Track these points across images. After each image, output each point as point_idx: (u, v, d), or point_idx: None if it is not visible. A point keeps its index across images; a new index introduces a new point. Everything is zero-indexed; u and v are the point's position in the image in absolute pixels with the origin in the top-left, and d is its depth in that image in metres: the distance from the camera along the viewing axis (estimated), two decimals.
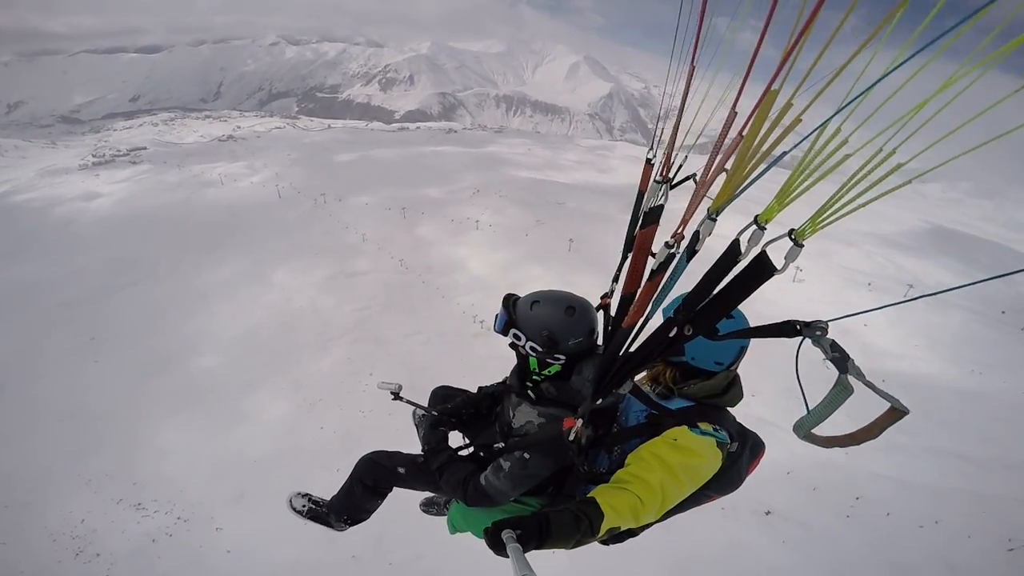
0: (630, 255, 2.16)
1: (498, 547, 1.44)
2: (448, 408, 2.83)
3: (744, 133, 1.14)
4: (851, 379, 1.29)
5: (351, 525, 2.98)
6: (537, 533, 1.49)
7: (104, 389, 11.67)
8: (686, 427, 1.90)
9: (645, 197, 1.90)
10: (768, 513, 7.26)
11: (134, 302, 14.63)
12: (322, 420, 9.31)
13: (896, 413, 1.30)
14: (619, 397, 2.30)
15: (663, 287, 1.46)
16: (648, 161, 2.15)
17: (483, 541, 1.50)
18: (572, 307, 2.16)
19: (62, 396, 11.59)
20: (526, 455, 2.17)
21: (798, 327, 1.30)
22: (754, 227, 1.15)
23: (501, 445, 2.38)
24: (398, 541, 6.32)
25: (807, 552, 6.57)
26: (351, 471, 2.88)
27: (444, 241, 19.09)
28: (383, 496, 2.89)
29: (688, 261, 1.40)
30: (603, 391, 1.80)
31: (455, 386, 3.11)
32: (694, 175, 1.62)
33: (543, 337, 2.15)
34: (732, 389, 2.08)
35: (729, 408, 2.09)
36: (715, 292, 1.31)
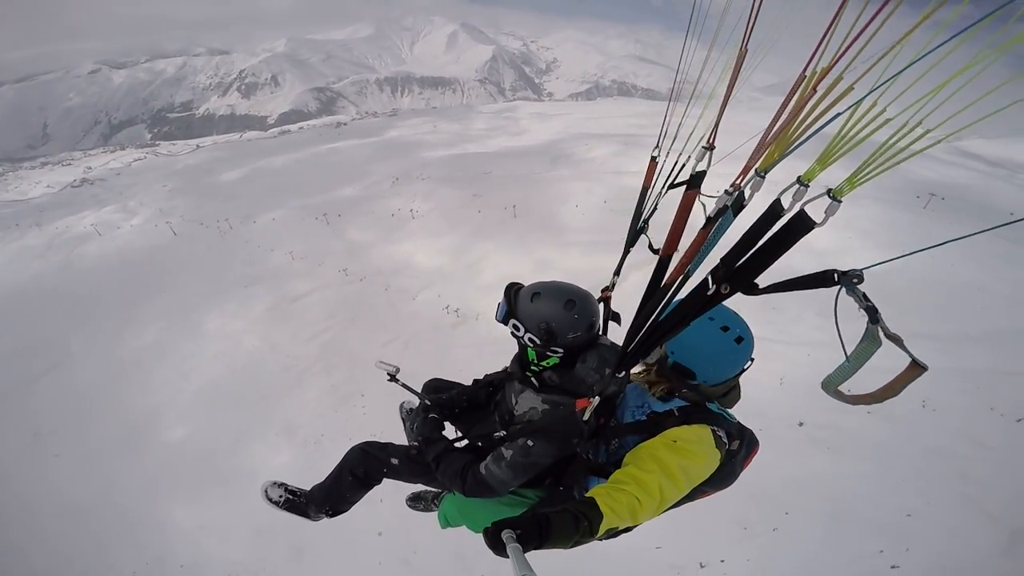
0: (631, 249, 2.57)
1: (498, 547, 1.48)
2: (442, 399, 2.90)
3: (814, 87, 1.28)
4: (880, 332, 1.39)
5: (331, 516, 3.04)
6: (537, 533, 1.54)
7: (82, 481, 10.24)
8: (705, 424, 2.06)
9: (687, 166, 2.03)
10: (801, 424, 7.75)
11: (60, 387, 12.77)
12: (335, 455, 8.73)
13: (917, 369, 1.41)
14: (621, 386, 2.39)
15: (708, 242, 1.56)
16: (653, 159, 2.39)
17: (480, 537, 1.56)
18: (572, 301, 2.25)
19: (44, 495, 10.07)
20: (529, 442, 2.22)
21: (836, 277, 1.37)
22: (797, 186, 1.28)
23: (502, 434, 2.41)
24: (480, 553, 6.13)
25: (853, 452, 7.09)
26: (340, 461, 2.94)
27: (382, 240, 18.25)
28: (369, 488, 2.96)
29: (735, 216, 1.53)
30: (632, 359, 1.80)
31: (447, 379, 3.17)
32: (704, 172, 1.91)
33: (541, 330, 2.24)
34: (731, 392, 2.24)
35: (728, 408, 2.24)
36: (754, 249, 1.38)
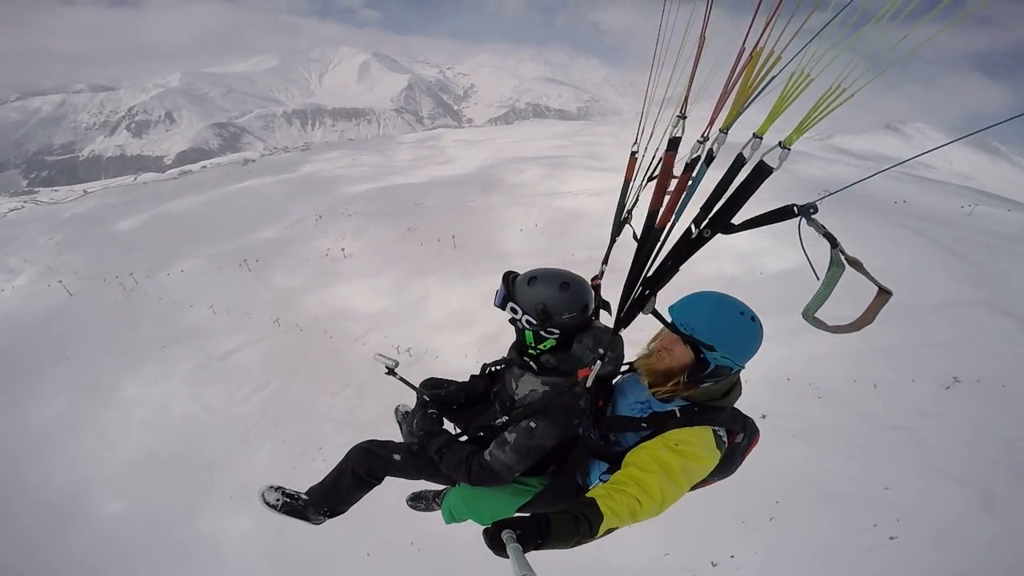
0: (621, 238, 2.72)
1: (498, 547, 1.52)
2: (440, 395, 3.04)
3: (752, 53, 1.66)
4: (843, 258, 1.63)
5: (329, 517, 3.12)
6: (537, 533, 1.58)
7: (17, 566, 8.67)
8: (707, 426, 2.12)
9: (665, 132, 2.28)
10: (764, 416, 8.24)
11: None
12: None
13: (884, 295, 1.64)
14: (616, 366, 2.50)
15: (687, 192, 1.90)
16: (633, 154, 2.63)
17: (483, 536, 1.59)
18: (567, 283, 2.42)
19: None
20: (532, 423, 2.34)
21: (796, 209, 1.61)
22: (754, 139, 1.61)
23: (504, 419, 2.52)
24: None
25: (817, 436, 7.60)
26: (341, 460, 3.01)
27: (314, 284, 17.49)
28: (370, 488, 3.04)
29: (707, 166, 1.87)
30: (630, 315, 2.07)
31: (443, 377, 3.32)
32: (679, 137, 2.15)
33: (538, 311, 2.41)
34: (733, 391, 2.27)
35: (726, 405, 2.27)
36: (726, 196, 1.72)
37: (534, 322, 2.46)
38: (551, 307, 2.40)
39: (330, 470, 3.07)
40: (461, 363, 11.43)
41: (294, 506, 3.11)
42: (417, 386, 3.19)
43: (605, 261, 2.85)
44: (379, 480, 3.02)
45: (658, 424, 2.16)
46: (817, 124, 1.49)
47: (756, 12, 1.61)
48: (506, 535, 1.53)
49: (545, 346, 2.53)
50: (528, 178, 27.24)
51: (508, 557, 1.48)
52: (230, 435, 10.21)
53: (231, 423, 10.57)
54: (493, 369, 3.01)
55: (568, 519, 1.67)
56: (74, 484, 9.72)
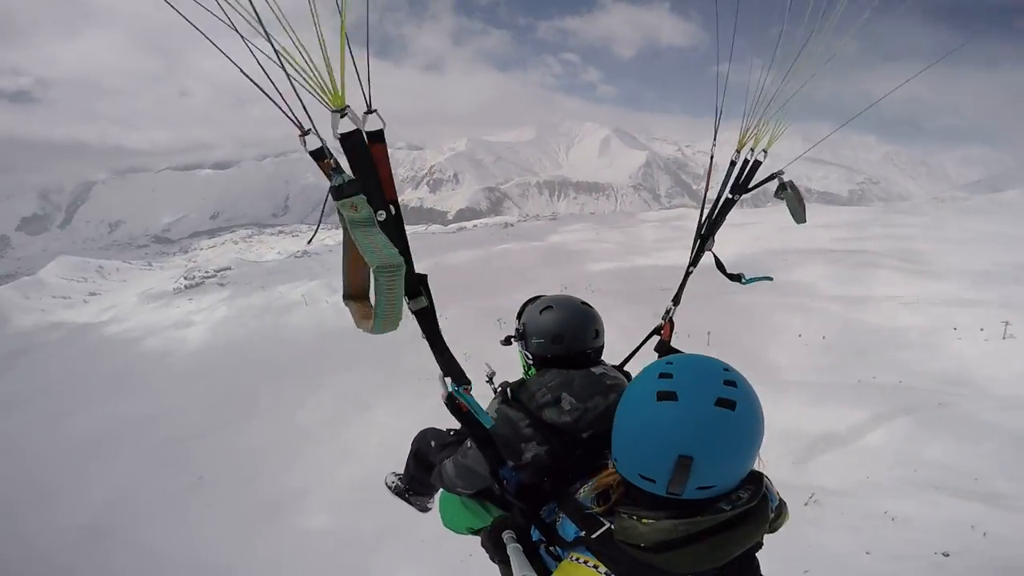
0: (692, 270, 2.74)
1: (498, 546, 1.56)
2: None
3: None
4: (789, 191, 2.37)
5: (426, 497, 2.99)
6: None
7: (216, 537, 10.28)
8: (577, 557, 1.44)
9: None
10: None
11: (238, 441, 13.48)
12: None
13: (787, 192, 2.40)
14: (583, 420, 2.00)
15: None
16: (711, 157, 2.69)
17: (482, 536, 1.73)
18: (550, 307, 2.20)
19: (174, 543, 10.24)
20: (468, 444, 2.17)
21: (776, 175, 2.36)
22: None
23: (458, 428, 2.42)
24: None
25: None
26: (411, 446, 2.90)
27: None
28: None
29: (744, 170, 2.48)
30: (698, 255, 2.47)
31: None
32: (781, 172, 2.46)
33: (518, 330, 2.28)
34: (681, 548, 1.21)
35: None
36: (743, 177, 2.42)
37: (515, 336, 2.28)
38: (527, 328, 2.20)
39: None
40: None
41: (400, 489, 3.06)
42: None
43: (675, 300, 2.57)
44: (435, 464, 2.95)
45: (584, 525, 1.46)
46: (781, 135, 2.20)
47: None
48: (506, 535, 1.56)
49: (531, 373, 2.25)
50: (807, 275, 23.05)
51: (507, 557, 1.47)
52: None
53: None
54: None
55: None
56: (297, 489, 10.43)
